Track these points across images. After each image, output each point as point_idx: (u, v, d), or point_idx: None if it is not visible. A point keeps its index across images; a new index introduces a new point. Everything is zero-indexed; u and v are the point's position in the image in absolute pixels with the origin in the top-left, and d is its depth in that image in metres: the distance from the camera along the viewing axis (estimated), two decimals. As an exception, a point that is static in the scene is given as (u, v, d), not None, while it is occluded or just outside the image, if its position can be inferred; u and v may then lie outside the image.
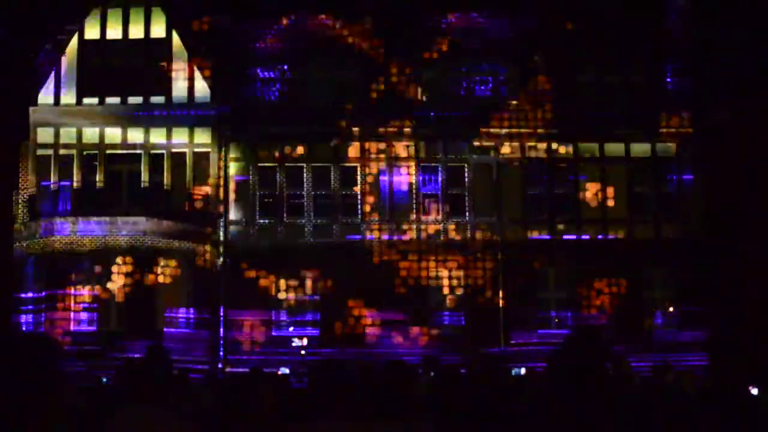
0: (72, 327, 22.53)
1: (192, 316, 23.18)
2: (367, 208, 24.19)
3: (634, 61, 25.66)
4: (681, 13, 25.76)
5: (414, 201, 24.28)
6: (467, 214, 24.39)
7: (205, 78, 23.75)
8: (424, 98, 25.18)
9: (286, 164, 24.28)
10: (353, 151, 24.37)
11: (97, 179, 23.47)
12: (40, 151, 23.41)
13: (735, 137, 24.32)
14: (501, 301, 23.89)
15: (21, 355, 3.13)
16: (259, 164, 24.21)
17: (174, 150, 23.61)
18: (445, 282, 24.31)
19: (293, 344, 23.57)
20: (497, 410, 8.25)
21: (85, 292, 22.90)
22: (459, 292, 24.21)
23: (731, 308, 23.91)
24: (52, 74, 23.54)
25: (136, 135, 23.59)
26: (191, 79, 23.74)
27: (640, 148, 24.90)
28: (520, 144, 24.59)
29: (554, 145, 24.73)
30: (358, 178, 24.33)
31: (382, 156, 24.37)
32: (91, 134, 23.54)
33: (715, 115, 24.70)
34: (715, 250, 24.21)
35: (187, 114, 23.58)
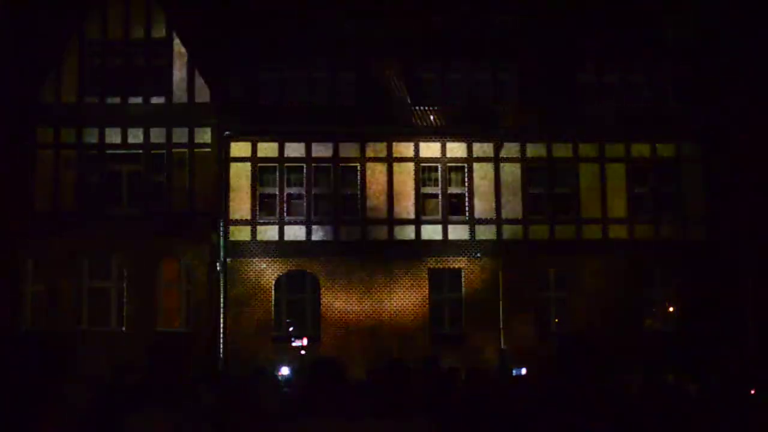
0: (72, 326, 22.51)
1: (192, 315, 23.17)
2: (368, 207, 24.17)
3: (634, 60, 25.67)
4: (683, 13, 25.77)
5: (414, 200, 24.25)
6: (467, 214, 24.39)
7: (205, 78, 23.73)
8: (424, 97, 25.21)
9: (286, 163, 24.26)
10: (352, 150, 24.35)
11: (97, 179, 23.43)
12: (40, 152, 23.37)
13: (736, 137, 24.33)
14: (501, 301, 23.87)
15: (27, 353, 3.13)
16: (259, 164, 24.19)
17: (174, 150, 23.58)
18: (446, 282, 24.31)
19: (293, 344, 23.56)
20: (497, 410, 8.27)
21: (85, 291, 22.91)
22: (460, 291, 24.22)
23: (732, 308, 23.91)
24: (53, 74, 23.50)
25: (136, 135, 23.56)
26: (191, 79, 23.72)
27: (640, 148, 24.89)
28: (520, 144, 24.58)
29: (554, 145, 24.72)
30: (358, 176, 24.31)
31: (382, 155, 24.33)
32: (90, 134, 23.50)
33: (716, 114, 24.70)
34: (715, 250, 24.21)
35: (187, 114, 23.55)
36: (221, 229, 23.51)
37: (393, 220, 24.14)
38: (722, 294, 23.91)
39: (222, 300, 23.31)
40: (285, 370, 23.03)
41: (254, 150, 24.17)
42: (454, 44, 25.71)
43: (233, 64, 24.88)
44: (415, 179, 24.38)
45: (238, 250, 23.62)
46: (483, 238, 24.26)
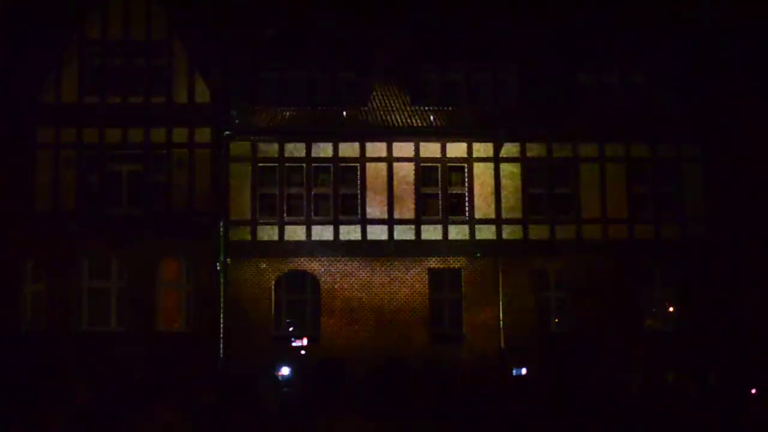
0: (72, 326, 22.54)
1: (192, 315, 23.18)
2: (368, 207, 24.17)
3: (634, 60, 25.72)
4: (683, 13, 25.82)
5: (414, 200, 24.25)
6: (467, 214, 24.39)
7: (205, 78, 23.73)
8: (424, 97, 25.26)
9: (286, 163, 24.27)
10: (352, 150, 24.35)
11: (97, 179, 23.45)
12: (40, 152, 23.37)
13: (736, 137, 24.37)
14: (501, 301, 23.88)
15: (27, 353, 3.14)
16: (259, 164, 24.19)
17: (174, 150, 23.58)
18: (446, 282, 24.33)
19: (293, 344, 23.59)
20: (497, 410, 8.29)
21: (85, 291, 22.94)
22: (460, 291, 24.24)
23: (731, 308, 23.94)
24: (53, 74, 23.51)
25: (136, 135, 23.56)
26: (191, 79, 23.73)
27: (640, 148, 24.90)
28: (520, 144, 24.58)
29: (554, 145, 24.72)
30: (358, 176, 24.31)
31: (382, 155, 24.34)
32: (91, 134, 23.51)
33: (716, 114, 24.74)
34: (715, 250, 24.24)
35: (187, 114, 23.56)
36: (221, 229, 23.51)
37: (393, 220, 24.14)
38: (722, 294, 23.94)
39: (222, 300, 23.31)
40: (285, 370, 23.07)
41: (254, 150, 24.18)
42: (454, 44, 25.75)
43: (233, 64, 24.89)
44: (415, 179, 24.38)
45: (238, 250, 23.62)
46: (483, 238, 24.26)
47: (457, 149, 24.56)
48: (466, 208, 24.44)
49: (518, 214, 24.43)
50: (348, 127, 24.37)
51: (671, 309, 24.95)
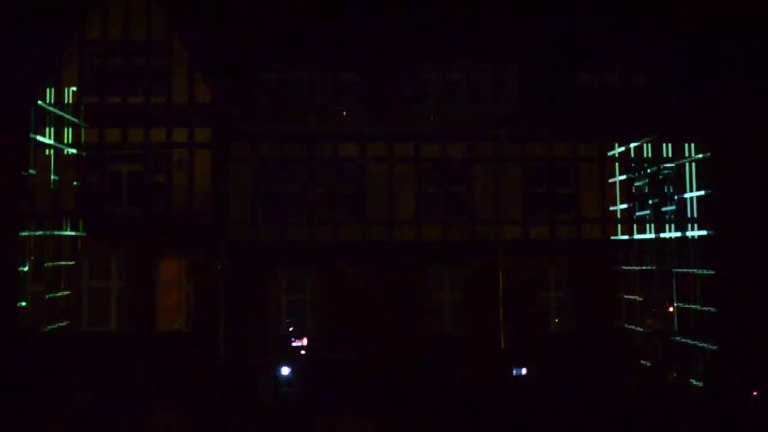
0: (72, 326, 22.55)
1: (192, 315, 23.18)
2: (368, 207, 24.18)
3: (634, 60, 25.73)
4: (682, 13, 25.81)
5: (414, 200, 24.27)
6: (467, 213, 24.39)
7: (205, 78, 23.74)
8: (424, 97, 25.27)
9: (287, 163, 24.27)
10: (352, 150, 24.37)
11: (97, 179, 23.47)
12: (40, 152, 23.37)
13: (736, 137, 24.37)
14: (501, 301, 23.88)
15: (27, 353, 3.14)
16: (260, 163, 24.20)
17: (174, 150, 23.59)
18: (446, 282, 24.35)
19: (293, 344, 23.60)
20: (497, 410, 8.30)
21: (85, 291, 22.95)
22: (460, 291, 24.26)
23: (732, 308, 23.93)
24: (53, 74, 23.52)
25: (136, 135, 23.57)
26: (191, 79, 23.73)
27: (639, 148, 24.93)
28: (520, 144, 24.59)
29: (554, 145, 24.74)
30: (358, 176, 24.31)
31: (382, 155, 24.36)
32: (91, 134, 23.52)
33: (716, 114, 24.74)
34: (715, 249, 24.24)
35: (187, 114, 23.57)
36: (221, 229, 23.51)
37: (393, 220, 24.15)
38: (722, 294, 23.94)
39: (222, 300, 23.32)
40: (285, 370, 23.08)
41: (254, 150, 24.19)
42: (454, 44, 25.76)
43: (233, 64, 24.90)
44: (415, 179, 24.39)
45: (238, 250, 23.62)
46: (483, 238, 24.27)
47: (457, 149, 24.57)
48: (467, 208, 24.44)
49: (518, 214, 24.44)
50: (348, 127, 24.38)
51: (671, 309, 24.96)
